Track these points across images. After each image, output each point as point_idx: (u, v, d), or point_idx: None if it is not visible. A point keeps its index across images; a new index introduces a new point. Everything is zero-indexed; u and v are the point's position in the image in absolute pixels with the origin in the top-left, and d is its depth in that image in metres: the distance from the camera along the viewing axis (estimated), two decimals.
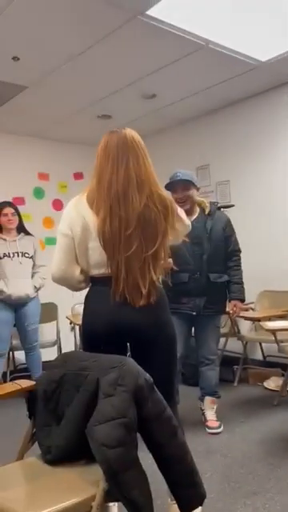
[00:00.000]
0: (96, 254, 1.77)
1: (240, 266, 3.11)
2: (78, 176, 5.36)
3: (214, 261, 2.98)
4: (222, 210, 3.21)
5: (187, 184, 2.92)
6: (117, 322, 1.75)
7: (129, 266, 1.73)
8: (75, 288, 1.91)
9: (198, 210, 3.04)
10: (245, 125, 4.38)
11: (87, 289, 1.92)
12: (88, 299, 1.87)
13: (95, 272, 1.81)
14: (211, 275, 2.96)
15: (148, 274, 1.76)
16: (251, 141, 4.34)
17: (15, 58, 3.18)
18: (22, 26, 2.79)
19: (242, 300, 3.10)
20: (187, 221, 1.96)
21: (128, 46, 3.12)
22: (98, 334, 1.78)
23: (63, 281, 1.86)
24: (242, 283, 3.09)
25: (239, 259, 3.12)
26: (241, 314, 3.69)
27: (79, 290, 1.95)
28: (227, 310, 3.10)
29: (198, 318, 3.00)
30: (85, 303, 1.89)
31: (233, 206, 3.51)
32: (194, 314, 2.95)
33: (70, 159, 5.29)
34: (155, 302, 1.80)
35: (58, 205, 5.18)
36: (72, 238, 1.78)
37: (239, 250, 3.14)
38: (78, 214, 1.78)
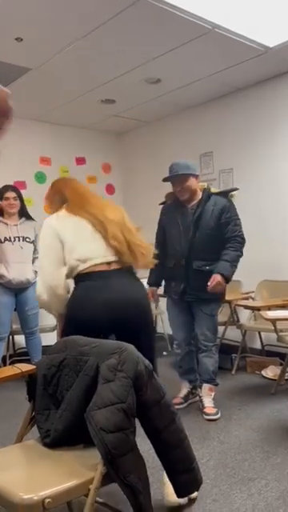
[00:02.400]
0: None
1: (237, 248, 2.95)
2: (80, 161, 5.32)
3: (201, 248, 2.97)
4: (230, 194, 3.12)
5: (184, 176, 2.96)
6: (115, 300, 1.92)
7: (122, 232, 2.01)
8: (60, 301, 2.01)
9: (200, 195, 3.07)
10: (250, 112, 4.33)
11: None
12: (78, 294, 1.98)
13: (83, 267, 1.96)
14: (195, 262, 2.97)
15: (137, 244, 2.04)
16: (256, 129, 4.30)
17: (18, 39, 3.13)
18: (26, 5, 2.74)
19: (224, 277, 2.88)
20: None
21: (133, 29, 3.07)
22: (98, 318, 1.88)
23: (50, 290, 1.98)
24: (231, 261, 2.92)
25: (238, 243, 2.96)
26: (241, 303, 3.71)
27: (60, 307, 2.03)
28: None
29: (191, 305, 3.09)
30: (75, 298, 1.98)
31: (236, 189, 3.40)
32: (176, 298, 3.09)
33: (73, 144, 5.25)
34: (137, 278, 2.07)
35: None
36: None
37: (240, 237, 2.99)
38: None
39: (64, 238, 1.98)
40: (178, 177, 2.97)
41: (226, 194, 3.09)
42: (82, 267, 1.95)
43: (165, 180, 3.04)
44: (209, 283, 2.89)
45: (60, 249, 1.97)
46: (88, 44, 3.24)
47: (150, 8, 2.79)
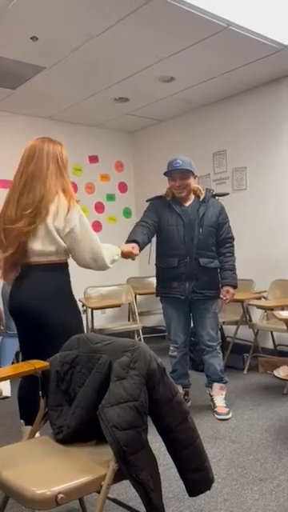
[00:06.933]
0: None
1: (232, 252, 3.11)
2: (93, 159, 5.34)
3: (205, 246, 2.98)
4: (216, 198, 3.16)
5: (186, 172, 2.94)
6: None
7: None
8: None
9: (193, 196, 3.06)
10: (265, 110, 4.30)
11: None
12: None
13: None
14: (201, 260, 2.96)
15: None
16: (271, 127, 4.26)
17: (34, 38, 3.15)
18: (41, 5, 2.75)
19: (235, 286, 3.09)
20: None
21: (147, 27, 3.06)
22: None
23: None
24: (233, 269, 3.09)
25: (232, 246, 3.12)
26: (253, 302, 3.70)
27: None
28: (221, 296, 3.08)
29: (192, 304, 3.03)
30: None
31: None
32: (183, 298, 2.97)
33: (86, 142, 5.27)
34: None
35: (72, 188, 5.17)
36: None
37: (232, 238, 3.12)
38: None
39: None
40: (181, 171, 2.92)
41: (215, 196, 3.15)
42: None
43: (167, 173, 2.96)
44: (223, 296, 3.06)
45: None
46: (102, 43, 3.25)
47: (164, 6, 2.79)
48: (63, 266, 2.15)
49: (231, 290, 3.06)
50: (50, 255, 2.07)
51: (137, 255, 2.68)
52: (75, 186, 5.16)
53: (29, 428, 1.80)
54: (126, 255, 2.49)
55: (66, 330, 1.87)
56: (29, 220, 2.01)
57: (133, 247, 2.65)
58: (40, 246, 2.04)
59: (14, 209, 2.06)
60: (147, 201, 3.17)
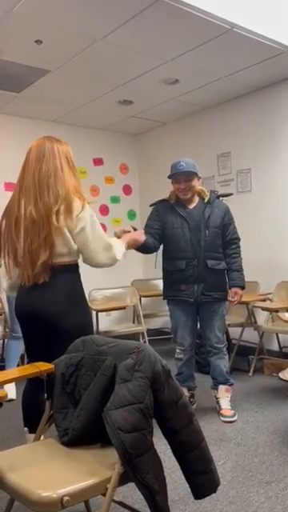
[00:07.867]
0: None
1: (239, 253, 3.11)
2: (98, 162, 5.35)
3: (212, 247, 2.98)
4: (220, 198, 3.16)
5: (190, 174, 2.94)
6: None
7: None
8: None
9: (197, 198, 3.05)
10: (269, 112, 4.29)
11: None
12: None
13: None
14: (209, 261, 2.95)
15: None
16: (275, 129, 4.26)
17: (38, 42, 3.16)
18: (45, 8, 2.77)
19: (242, 287, 3.08)
20: None
21: (151, 30, 3.07)
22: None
23: None
24: (241, 270, 3.08)
25: (238, 247, 3.11)
26: (258, 304, 3.69)
27: None
28: (229, 298, 3.07)
29: (200, 306, 3.02)
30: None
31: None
32: (192, 300, 2.96)
33: (90, 145, 5.28)
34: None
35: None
36: None
37: (238, 239, 3.12)
38: None
39: None
40: (186, 174, 2.92)
41: (219, 197, 3.15)
42: None
43: (171, 176, 2.96)
44: (231, 298, 3.06)
45: None
46: (106, 46, 3.26)
47: (168, 9, 2.80)
48: (75, 267, 2.11)
49: (239, 291, 3.06)
50: (62, 256, 2.03)
51: (142, 241, 2.59)
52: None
53: (33, 436, 1.77)
54: (131, 244, 2.41)
55: (79, 332, 1.84)
56: (61, 217, 1.97)
57: (138, 234, 2.54)
58: (54, 247, 2.01)
59: (34, 208, 1.99)
60: (151, 205, 3.17)
